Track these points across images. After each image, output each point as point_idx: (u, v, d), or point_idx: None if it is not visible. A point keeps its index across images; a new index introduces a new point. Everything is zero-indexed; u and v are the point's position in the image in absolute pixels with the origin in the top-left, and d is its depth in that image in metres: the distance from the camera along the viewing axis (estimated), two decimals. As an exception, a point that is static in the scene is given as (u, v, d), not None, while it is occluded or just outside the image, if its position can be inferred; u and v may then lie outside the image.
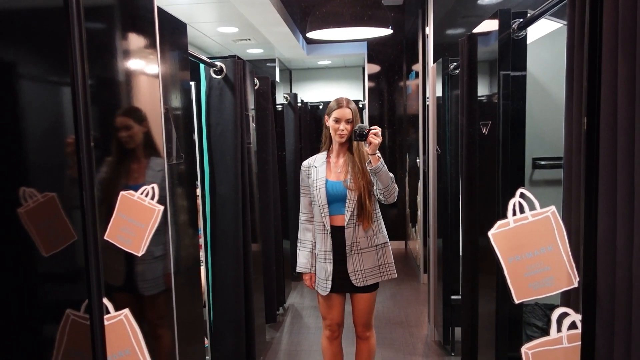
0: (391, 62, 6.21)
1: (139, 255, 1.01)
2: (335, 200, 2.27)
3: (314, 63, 6.81)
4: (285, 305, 4.04)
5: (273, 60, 5.95)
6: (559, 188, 2.35)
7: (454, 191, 2.96)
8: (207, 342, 2.75)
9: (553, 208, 0.93)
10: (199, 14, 3.78)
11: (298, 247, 2.40)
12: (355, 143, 2.27)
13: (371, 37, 4.56)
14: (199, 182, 2.44)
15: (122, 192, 0.98)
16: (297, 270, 2.39)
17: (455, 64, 2.74)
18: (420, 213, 4.72)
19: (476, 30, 2.02)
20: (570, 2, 1.08)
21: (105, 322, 0.98)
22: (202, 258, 2.48)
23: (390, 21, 4.23)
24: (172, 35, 1.55)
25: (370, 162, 2.14)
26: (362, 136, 2.15)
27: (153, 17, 1.29)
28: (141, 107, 1.19)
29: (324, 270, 2.31)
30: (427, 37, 4.41)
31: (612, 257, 0.87)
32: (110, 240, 0.96)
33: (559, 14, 1.80)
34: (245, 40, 4.76)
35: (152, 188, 1.03)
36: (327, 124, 2.34)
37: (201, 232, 2.45)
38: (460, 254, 2.88)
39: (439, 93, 3.11)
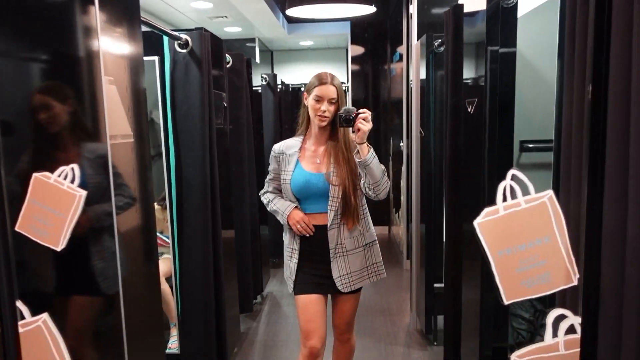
0: (375, 44, 6.03)
1: (58, 249, 0.85)
2: (312, 195, 1.95)
3: (295, 44, 6.59)
4: (264, 294, 3.90)
5: (253, 40, 5.72)
6: (548, 172, 2.23)
7: (438, 175, 2.83)
8: (175, 331, 2.60)
9: (550, 192, 0.79)
10: (169, -13, 3.54)
11: (269, 206, 2.05)
12: (340, 129, 1.93)
13: (354, 15, 4.39)
14: (164, 172, 2.26)
15: (34, 174, 0.81)
16: (281, 218, 2.00)
17: (440, 40, 2.59)
18: (403, 198, 4.61)
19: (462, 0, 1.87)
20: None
21: (20, 330, 0.82)
22: (167, 240, 2.31)
23: (373, -2, 4.05)
24: (119, -3, 1.36)
25: (358, 152, 1.83)
26: (349, 121, 1.82)
27: (89, -29, 1.10)
28: (70, 83, 1.01)
29: (289, 268, 2.03)
30: (411, 16, 4.24)
31: (621, 251, 0.73)
32: (22, 232, 0.80)
33: (551, -19, 1.65)
34: (222, 17, 4.53)
35: (72, 169, 0.86)
36: (305, 102, 1.98)
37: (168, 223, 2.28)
38: (444, 240, 2.77)
39: (423, 72, 2.96)
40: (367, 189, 1.91)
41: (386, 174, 1.90)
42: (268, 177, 2.09)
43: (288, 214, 1.97)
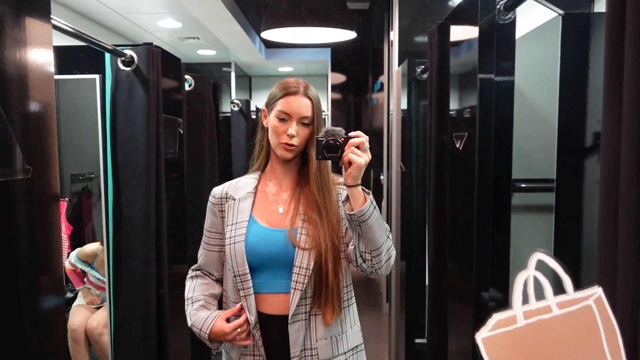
0: (356, 72, 5.85)
1: None
2: (266, 264, 1.26)
3: (274, 70, 6.39)
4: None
5: (229, 65, 5.48)
6: (543, 215, 1.96)
7: (420, 212, 2.56)
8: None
9: (599, 292, 0.49)
10: (134, 3, 3.28)
11: (187, 311, 1.34)
12: (318, 164, 1.25)
13: (333, 41, 4.18)
14: (102, 209, 1.93)
15: None
16: (203, 336, 1.28)
17: (423, 66, 2.35)
18: (383, 235, 4.31)
19: (449, 17, 1.63)
20: None
21: None
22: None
23: (354, 23, 3.85)
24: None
25: (347, 200, 1.16)
26: (334, 149, 1.15)
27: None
28: None
29: None
30: (392, 43, 4.05)
31: None
32: None
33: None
34: (194, 39, 4.28)
35: None
36: (264, 123, 1.32)
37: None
38: (426, 282, 2.50)
39: (404, 101, 2.72)
40: (360, 259, 1.20)
41: (390, 236, 1.24)
42: (203, 240, 1.39)
43: (209, 332, 1.25)
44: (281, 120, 1.25)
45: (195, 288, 1.37)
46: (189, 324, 1.31)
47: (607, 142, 0.58)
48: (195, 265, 1.43)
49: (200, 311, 1.31)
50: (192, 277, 1.42)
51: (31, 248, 1.12)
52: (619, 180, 0.55)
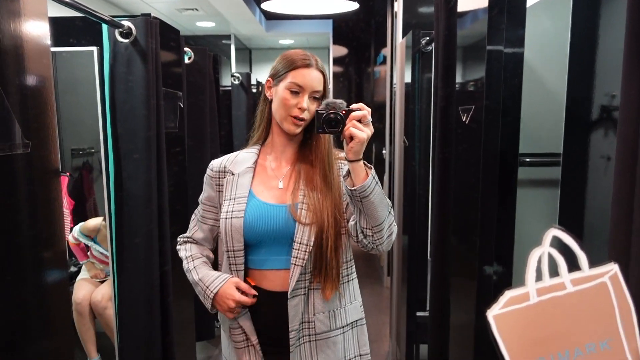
0: (358, 44, 5.74)
1: None
2: (266, 240, 1.23)
3: (275, 42, 6.28)
4: (230, 314, 3.55)
5: (228, 37, 5.38)
6: (548, 190, 1.95)
7: (423, 187, 2.55)
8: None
9: (614, 269, 0.48)
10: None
11: (187, 267, 1.33)
12: (320, 138, 1.25)
13: (335, 12, 4.09)
14: (104, 183, 1.92)
15: None
16: (204, 298, 1.27)
17: (428, 38, 2.30)
18: (385, 209, 4.31)
19: (456, -13, 1.57)
20: None
21: None
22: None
23: (356, -7, 3.76)
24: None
25: (348, 175, 1.13)
26: (335, 123, 1.11)
27: None
28: None
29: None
30: (396, 14, 3.96)
31: None
32: None
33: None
34: (192, 10, 4.18)
35: None
36: (268, 94, 1.27)
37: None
38: (428, 256, 2.51)
39: (408, 75, 2.67)
40: (361, 235, 1.17)
41: (392, 211, 1.20)
42: (196, 211, 1.38)
43: (216, 291, 1.23)
44: (293, 92, 1.20)
45: (191, 248, 1.36)
46: (196, 278, 1.28)
47: (625, 115, 0.56)
48: (184, 234, 1.40)
49: (206, 267, 1.31)
50: (183, 242, 1.40)
51: (33, 223, 1.11)
52: (637, 154, 0.53)
